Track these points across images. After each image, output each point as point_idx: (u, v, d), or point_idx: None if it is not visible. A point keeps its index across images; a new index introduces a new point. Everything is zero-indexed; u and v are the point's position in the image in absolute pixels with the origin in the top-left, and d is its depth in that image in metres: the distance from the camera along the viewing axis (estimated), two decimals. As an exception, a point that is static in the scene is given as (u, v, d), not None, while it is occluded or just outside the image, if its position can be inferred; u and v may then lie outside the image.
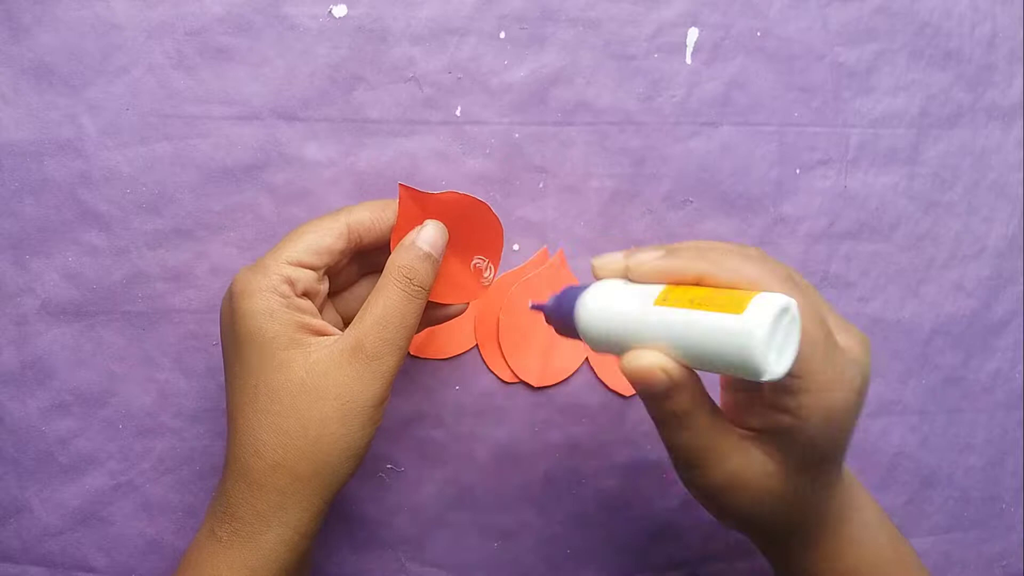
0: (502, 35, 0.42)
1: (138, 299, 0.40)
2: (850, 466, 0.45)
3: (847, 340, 0.29)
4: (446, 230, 0.34)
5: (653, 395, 0.28)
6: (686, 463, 0.30)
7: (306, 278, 0.32)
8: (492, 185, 0.42)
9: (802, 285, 0.28)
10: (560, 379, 0.43)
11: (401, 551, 0.42)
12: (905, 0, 0.45)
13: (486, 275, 0.37)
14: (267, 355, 0.31)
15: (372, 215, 0.34)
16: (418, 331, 0.36)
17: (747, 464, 0.29)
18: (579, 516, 0.44)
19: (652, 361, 0.27)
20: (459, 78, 0.42)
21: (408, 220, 0.34)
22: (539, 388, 0.43)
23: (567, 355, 0.43)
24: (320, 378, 0.31)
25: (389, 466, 0.42)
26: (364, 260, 0.37)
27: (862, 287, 0.46)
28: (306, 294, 0.33)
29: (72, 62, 0.39)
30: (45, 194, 0.39)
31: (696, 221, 0.44)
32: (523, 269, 0.42)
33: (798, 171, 0.45)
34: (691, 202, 0.44)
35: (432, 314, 0.36)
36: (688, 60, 0.43)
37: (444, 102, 0.42)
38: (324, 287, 0.34)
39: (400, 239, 0.34)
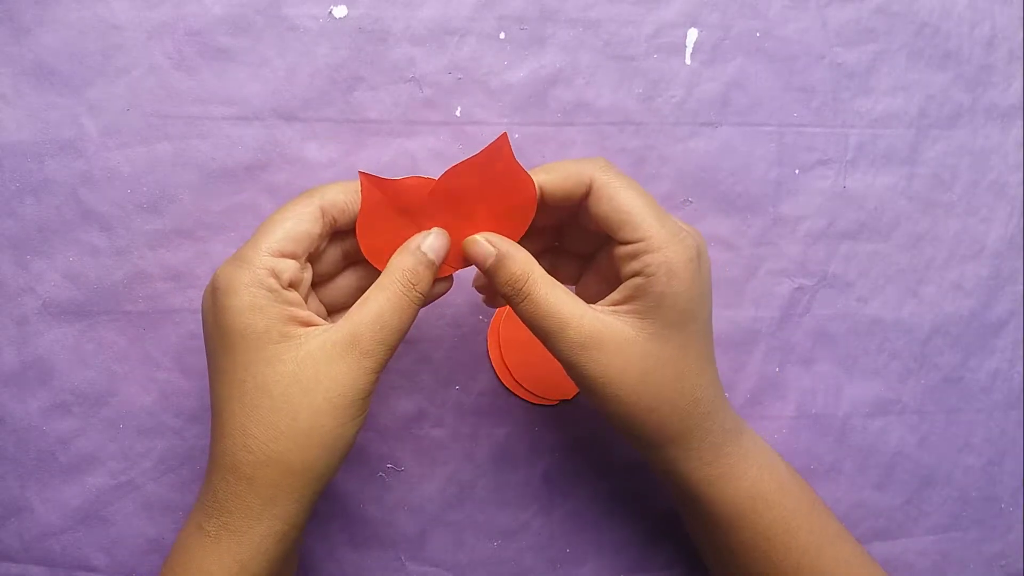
0: (502, 35, 0.42)
1: (139, 299, 0.40)
2: (849, 466, 0.45)
3: (678, 221, 0.34)
4: (449, 238, 0.34)
5: (488, 271, 0.33)
6: (543, 332, 0.33)
7: (290, 268, 0.32)
8: (492, 185, 0.42)
9: (625, 176, 0.34)
10: (565, 396, 0.43)
11: (401, 550, 0.42)
12: (904, 0, 0.45)
13: None
14: (256, 350, 0.31)
15: (345, 196, 0.33)
16: None
17: (602, 327, 0.32)
18: (579, 516, 0.44)
19: (479, 239, 0.33)
20: (459, 78, 0.42)
21: (371, 207, 0.34)
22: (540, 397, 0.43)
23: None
24: (311, 370, 0.30)
25: (389, 465, 0.42)
26: (344, 247, 0.36)
27: (861, 287, 0.46)
28: (291, 284, 0.32)
29: (73, 63, 0.39)
30: (46, 194, 0.39)
31: (695, 221, 0.44)
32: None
33: (797, 171, 0.45)
34: (691, 202, 0.44)
35: None
36: (687, 60, 0.44)
37: (444, 102, 0.42)
38: (308, 275, 0.34)
39: (365, 227, 0.33)
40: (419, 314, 0.42)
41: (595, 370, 0.32)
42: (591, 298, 0.34)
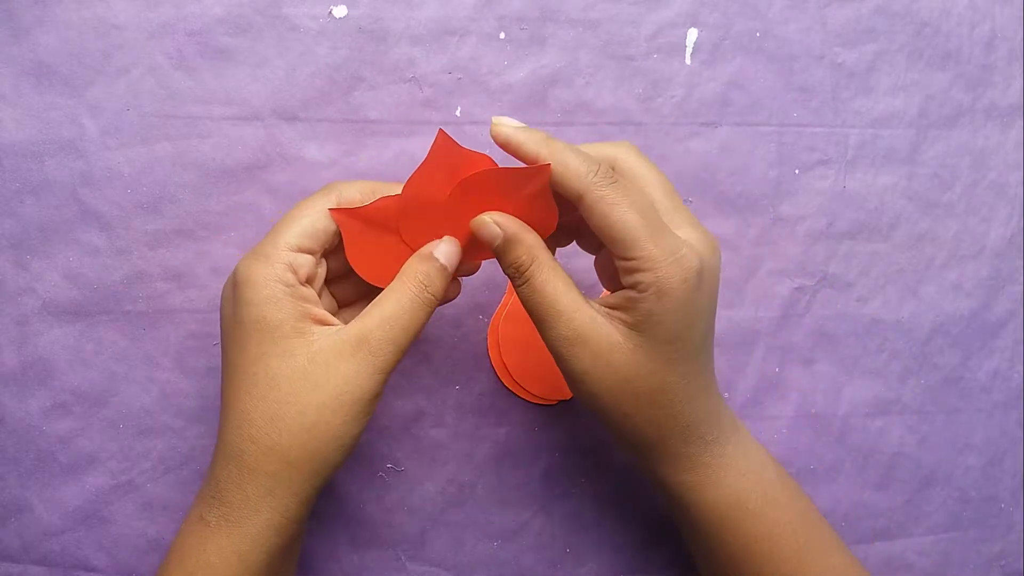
0: (502, 35, 0.42)
1: (139, 299, 0.40)
2: (849, 466, 0.45)
3: (691, 233, 0.33)
4: (459, 247, 0.34)
5: (495, 252, 0.33)
6: (534, 316, 0.33)
7: (307, 263, 0.33)
8: (492, 185, 0.42)
9: (625, 180, 0.32)
10: (565, 396, 0.43)
11: (401, 550, 0.42)
12: (904, 0, 0.45)
13: None
14: (269, 343, 0.31)
15: (362, 196, 0.34)
16: None
17: (592, 326, 0.32)
18: (579, 516, 0.44)
19: (488, 219, 0.33)
20: (459, 78, 0.42)
21: (352, 237, 0.34)
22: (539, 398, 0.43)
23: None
24: (322, 367, 0.31)
25: (389, 465, 0.42)
26: None
27: (861, 287, 0.46)
28: (307, 280, 0.33)
29: (73, 62, 0.39)
30: (46, 194, 0.39)
31: (695, 221, 0.44)
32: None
33: (797, 171, 0.45)
34: (690, 202, 0.44)
35: None
36: (687, 60, 0.44)
37: (444, 102, 0.42)
38: (322, 271, 0.34)
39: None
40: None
41: (578, 366, 0.32)
42: (608, 274, 0.35)
